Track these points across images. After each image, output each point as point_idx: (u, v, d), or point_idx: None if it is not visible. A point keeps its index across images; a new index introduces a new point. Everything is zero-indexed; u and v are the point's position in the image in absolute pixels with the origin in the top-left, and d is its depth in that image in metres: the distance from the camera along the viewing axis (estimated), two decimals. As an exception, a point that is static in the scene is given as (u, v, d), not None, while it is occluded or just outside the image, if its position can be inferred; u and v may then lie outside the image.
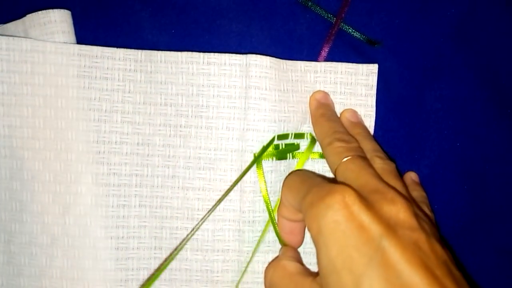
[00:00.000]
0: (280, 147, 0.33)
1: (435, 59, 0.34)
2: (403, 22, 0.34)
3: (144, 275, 0.33)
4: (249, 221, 0.33)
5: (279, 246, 0.33)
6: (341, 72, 0.33)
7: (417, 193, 0.33)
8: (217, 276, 0.33)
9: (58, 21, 0.32)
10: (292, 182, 0.30)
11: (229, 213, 0.33)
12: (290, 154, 0.33)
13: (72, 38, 0.33)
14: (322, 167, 0.34)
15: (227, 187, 0.33)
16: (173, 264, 0.33)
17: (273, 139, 0.33)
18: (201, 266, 0.33)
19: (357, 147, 0.30)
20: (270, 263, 0.30)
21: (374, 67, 0.33)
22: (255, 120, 0.32)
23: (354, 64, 0.33)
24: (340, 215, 0.24)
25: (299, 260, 0.31)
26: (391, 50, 0.34)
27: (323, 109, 0.32)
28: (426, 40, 0.34)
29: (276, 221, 0.32)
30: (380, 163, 0.29)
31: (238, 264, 0.33)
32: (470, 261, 0.34)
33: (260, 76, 0.32)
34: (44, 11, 0.32)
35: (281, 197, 0.31)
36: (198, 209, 0.33)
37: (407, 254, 0.23)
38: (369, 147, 0.30)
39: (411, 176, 0.34)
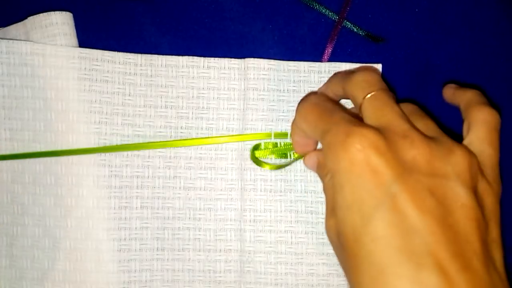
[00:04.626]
0: (279, 146, 0.33)
1: (440, 55, 0.34)
2: (406, 18, 0.34)
3: (147, 276, 0.33)
4: (250, 220, 0.33)
5: (280, 247, 0.33)
6: None
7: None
8: (220, 276, 0.33)
9: (60, 23, 0.32)
10: (308, 113, 0.29)
11: (230, 212, 0.33)
12: (291, 153, 0.33)
13: (74, 40, 0.33)
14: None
15: (228, 185, 0.33)
16: (176, 265, 0.33)
17: (269, 135, 0.33)
18: (203, 267, 0.33)
19: (380, 80, 0.28)
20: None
21: (378, 67, 0.33)
22: (253, 120, 0.33)
23: (358, 64, 0.33)
24: (356, 158, 0.24)
25: None
26: (394, 47, 0.34)
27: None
28: (430, 36, 0.34)
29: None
30: (410, 106, 0.29)
31: (240, 264, 0.33)
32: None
33: (258, 78, 0.33)
34: (45, 14, 0.32)
35: (295, 121, 0.30)
36: (200, 209, 0.33)
37: (417, 200, 0.23)
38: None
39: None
